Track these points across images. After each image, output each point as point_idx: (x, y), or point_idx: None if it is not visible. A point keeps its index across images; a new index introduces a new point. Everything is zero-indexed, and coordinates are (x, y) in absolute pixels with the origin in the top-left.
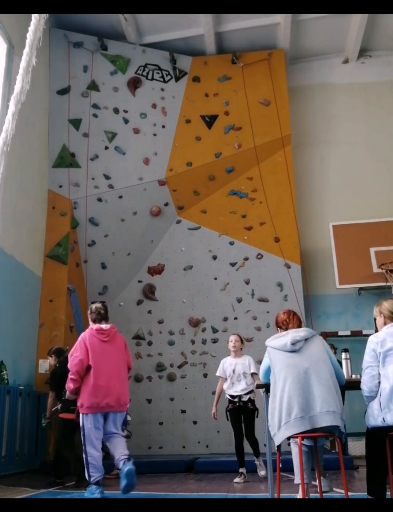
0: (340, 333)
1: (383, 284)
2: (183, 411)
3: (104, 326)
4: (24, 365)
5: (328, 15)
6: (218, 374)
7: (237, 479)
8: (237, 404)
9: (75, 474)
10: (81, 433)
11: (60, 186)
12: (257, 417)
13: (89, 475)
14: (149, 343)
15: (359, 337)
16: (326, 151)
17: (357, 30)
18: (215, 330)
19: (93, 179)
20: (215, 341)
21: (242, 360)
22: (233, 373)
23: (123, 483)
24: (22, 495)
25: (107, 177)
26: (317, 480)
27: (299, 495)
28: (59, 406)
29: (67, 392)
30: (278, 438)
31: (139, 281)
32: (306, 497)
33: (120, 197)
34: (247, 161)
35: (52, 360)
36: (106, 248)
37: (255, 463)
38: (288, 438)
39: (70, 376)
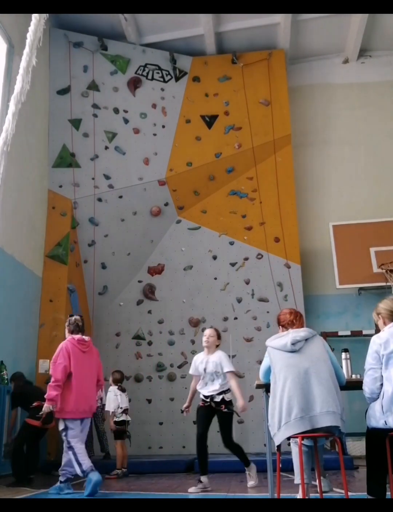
0: (340, 333)
1: (383, 284)
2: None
3: (85, 337)
4: (24, 365)
5: (328, 15)
6: (190, 372)
7: (192, 489)
8: (208, 403)
9: (31, 472)
10: (65, 435)
11: (60, 186)
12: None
13: (82, 471)
14: (149, 343)
15: (359, 337)
16: (326, 151)
17: (357, 30)
18: None
19: (93, 179)
20: None
21: (214, 357)
22: (205, 372)
23: (89, 491)
24: (22, 495)
25: (107, 177)
26: (317, 480)
27: (299, 495)
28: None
29: (46, 401)
30: (278, 438)
31: (139, 281)
32: (306, 497)
33: (120, 197)
34: (247, 161)
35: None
36: (106, 248)
37: (245, 473)
38: (288, 438)
39: (53, 383)
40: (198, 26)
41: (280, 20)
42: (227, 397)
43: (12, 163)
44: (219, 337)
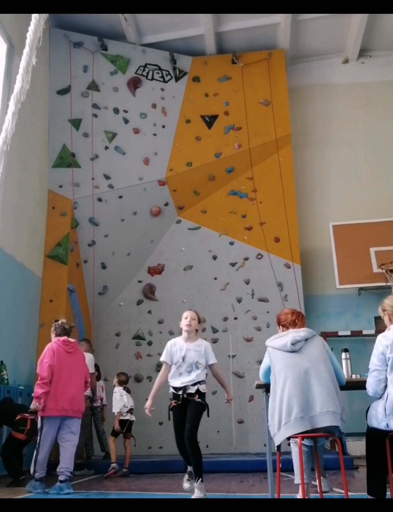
0: (340, 333)
1: (383, 284)
2: None
3: (71, 339)
4: (24, 365)
5: (328, 15)
6: (162, 358)
7: (186, 484)
8: (182, 397)
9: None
10: (39, 433)
11: (60, 186)
12: (208, 415)
13: (34, 471)
14: (149, 343)
15: (359, 337)
16: (326, 151)
17: (357, 30)
18: (215, 330)
19: (93, 179)
20: (215, 341)
21: (196, 345)
22: (182, 361)
23: (53, 493)
24: (22, 495)
25: (107, 177)
26: (317, 480)
27: (299, 495)
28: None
29: (33, 400)
30: (278, 438)
31: (139, 281)
32: (306, 497)
33: (120, 197)
34: (247, 161)
35: None
36: (106, 248)
37: (194, 485)
38: (288, 438)
39: (40, 381)
40: (198, 26)
41: (280, 20)
42: (202, 388)
43: (12, 163)
44: (199, 321)
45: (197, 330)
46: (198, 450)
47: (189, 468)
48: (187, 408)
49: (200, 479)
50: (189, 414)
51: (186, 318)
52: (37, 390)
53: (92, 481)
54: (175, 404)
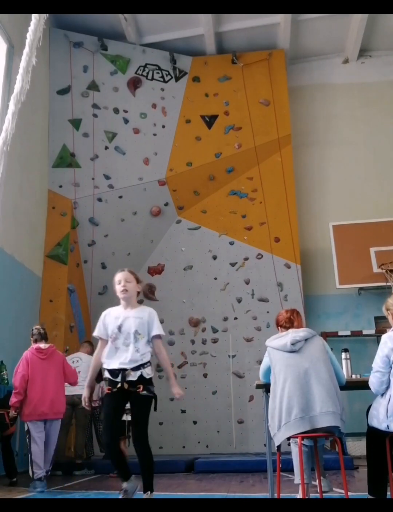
0: (340, 333)
1: (383, 284)
2: (183, 411)
3: (42, 345)
4: None
5: (328, 15)
6: (95, 333)
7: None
8: (119, 385)
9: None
10: (27, 437)
11: (60, 186)
12: (156, 409)
13: (33, 472)
14: None
15: (359, 337)
16: (326, 151)
17: (357, 30)
18: (215, 330)
19: (93, 179)
20: (215, 341)
21: (137, 312)
22: (118, 332)
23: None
24: (22, 495)
25: (107, 177)
26: (317, 480)
27: (299, 495)
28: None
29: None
30: (278, 438)
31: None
32: (306, 497)
33: (120, 197)
34: (247, 161)
35: None
36: (106, 248)
37: (142, 495)
38: (288, 438)
39: (14, 391)
40: (198, 26)
41: (280, 20)
42: (147, 373)
43: (12, 163)
44: (138, 281)
45: (139, 293)
46: (149, 456)
47: (125, 485)
48: (132, 405)
49: (150, 491)
50: (135, 413)
51: (119, 283)
52: (12, 399)
53: (92, 481)
54: (109, 391)
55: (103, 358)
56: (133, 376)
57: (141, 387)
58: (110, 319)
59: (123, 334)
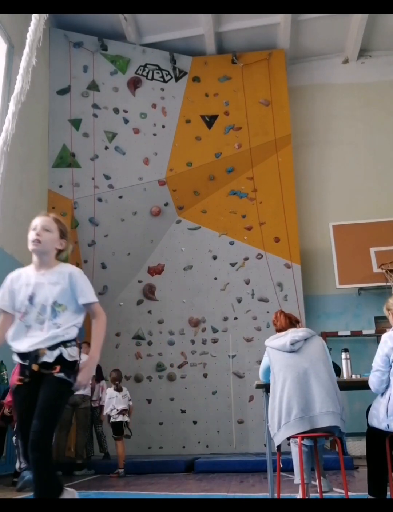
0: (340, 333)
1: (383, 284)
2: (183, 411)
3: None
4: None
5: (328, 15)
6: None
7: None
8: (30, 375)
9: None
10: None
11: (60, 186)
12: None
13: (20, 463)
14: (149, 343)
15: (359, 337)
16: (326, 151)
17: (357, 30)
18: (215, 330)
19: (93, 179)
20: (215, 341)
21: (53, 275)
22: (30, 305)
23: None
24: (22, 495)
25: (107, 177)
26: (317, 480)
27: (299, 495)
28: None
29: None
30: (278, 438)
31: (139, 281)
32: (306, 497)
33: (120, 197)
34: (247, 161)
35: None
36: (106, 248)
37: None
38: (288, 438)
39: (10, 389)
40: (198, 26)
41: (280, 20)
42: (69, 354)
43: (12, 163)
44: (63, 235)
45: (60, 251)
46: (48, 470)
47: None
48: (40, 391)
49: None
50: (40, 401)
51: (34, 229)
52: (7, 398)
53: (92, 481)
54: (20, 382)
55: (10, 339)
56: (49, 357)
57: (58, 368)
58: (18, 285)
59: (36, 307)
